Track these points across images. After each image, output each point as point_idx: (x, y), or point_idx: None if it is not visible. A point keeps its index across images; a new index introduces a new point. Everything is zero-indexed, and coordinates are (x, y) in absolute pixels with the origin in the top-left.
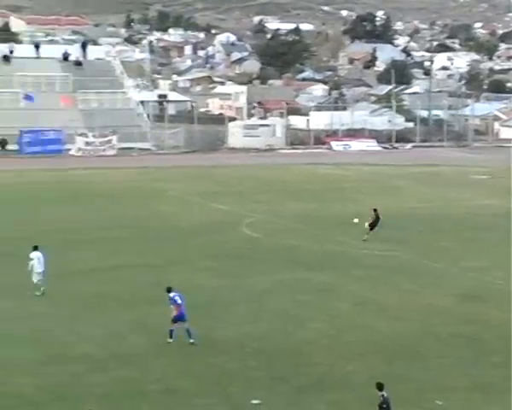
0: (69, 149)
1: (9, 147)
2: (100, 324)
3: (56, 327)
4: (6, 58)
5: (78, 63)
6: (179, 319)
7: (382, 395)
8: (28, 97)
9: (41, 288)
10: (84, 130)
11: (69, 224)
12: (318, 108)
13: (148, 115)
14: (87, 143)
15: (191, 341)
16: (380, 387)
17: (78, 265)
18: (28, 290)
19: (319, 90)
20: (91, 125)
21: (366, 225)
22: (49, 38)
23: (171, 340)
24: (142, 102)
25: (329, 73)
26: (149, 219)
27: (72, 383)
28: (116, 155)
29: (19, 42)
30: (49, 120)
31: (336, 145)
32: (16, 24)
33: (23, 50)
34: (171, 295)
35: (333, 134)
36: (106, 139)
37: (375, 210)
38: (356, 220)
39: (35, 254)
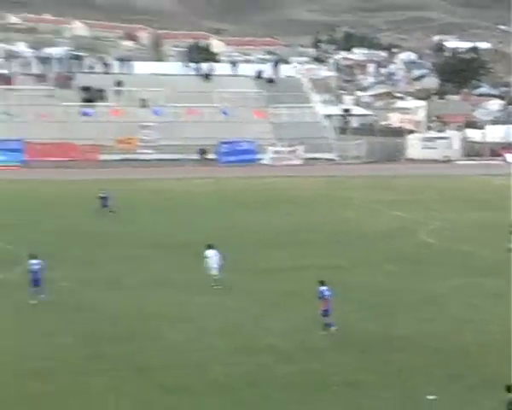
0: (261, 159)
1: (209, 156)
2: (286, 319)
3: (246, 321)
4: (207, 76)
5: (270, 80)
6: (325, 314)
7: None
8: (223, 112)
9: (218, 282)
10: (274, 141)
11: (262, 227)
12: (494, 122)
13: (334, 128)
14: (276, 153)
15: (323, 333)
16: (509, 389)
17: (269, 264)
18: (221, 287)
19: (495, 104)
20: (281, 136)
21: None
22: (246, 57)
23: (333, 328)
24: (327, 116)
25: (505, 88)
26: (336, 225)
27: (258, 373)
28: (302, 164)
29: (217, 61)
30: (244, 132)
31: (511, 157)
32: (217, 45)
33: (221, 69)
34: (321, 288)
35: (508, 146)
36: (292, 149)
37: None
38: None
39: (210, 253)
